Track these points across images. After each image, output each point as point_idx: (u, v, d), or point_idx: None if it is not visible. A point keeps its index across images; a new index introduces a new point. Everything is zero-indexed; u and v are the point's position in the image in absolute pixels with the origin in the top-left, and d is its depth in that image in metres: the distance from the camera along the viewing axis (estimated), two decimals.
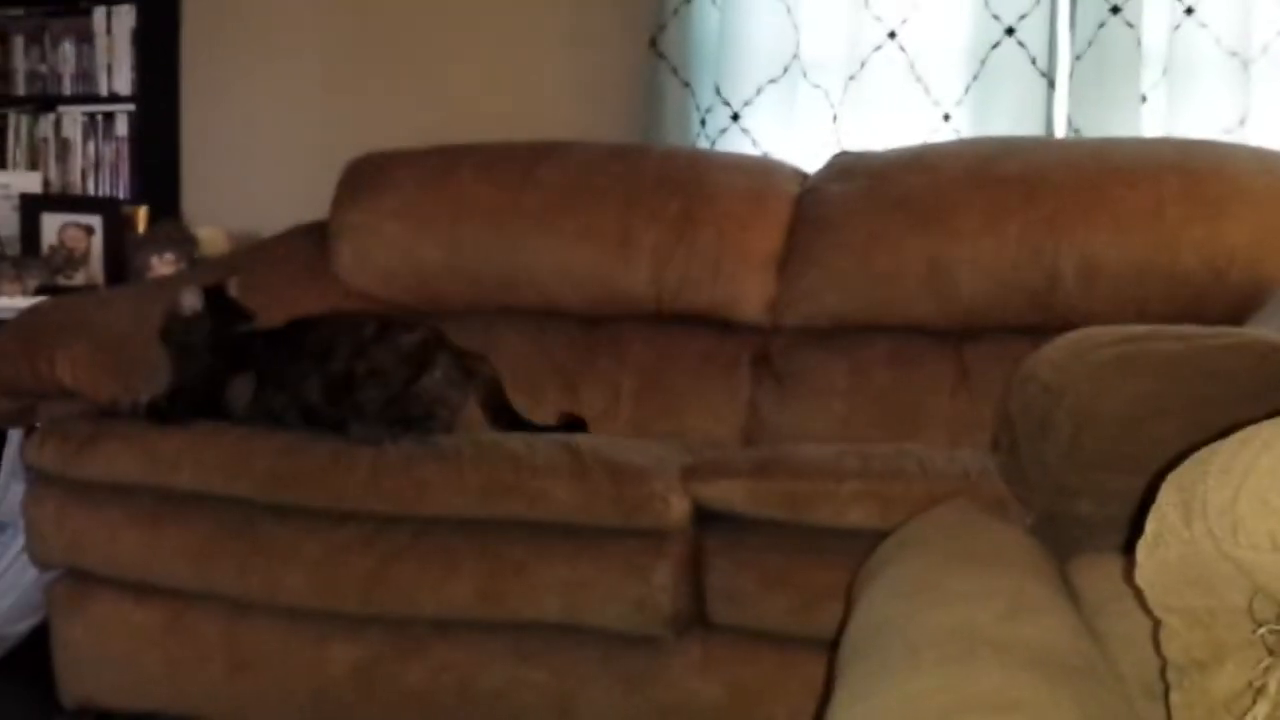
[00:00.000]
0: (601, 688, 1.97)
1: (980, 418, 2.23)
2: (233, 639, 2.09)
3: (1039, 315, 2.31)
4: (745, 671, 1.94)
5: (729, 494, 1.93)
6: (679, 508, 1.92)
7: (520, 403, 2.46)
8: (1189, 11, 2.60)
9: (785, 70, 2.82)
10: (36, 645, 2.33)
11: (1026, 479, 1.49)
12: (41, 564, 2.20)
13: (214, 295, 2.13)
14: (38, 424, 2.20)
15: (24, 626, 2.49)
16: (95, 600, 2.15)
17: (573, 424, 2.25)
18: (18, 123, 3.24)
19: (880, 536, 1.61)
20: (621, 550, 1.92)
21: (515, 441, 2.02)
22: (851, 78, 2.81)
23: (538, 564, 1.94)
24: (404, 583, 1.98)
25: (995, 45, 2.71)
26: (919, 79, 2.78)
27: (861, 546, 1.65)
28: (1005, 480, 1.59)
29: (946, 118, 2.78)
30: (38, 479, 2.15)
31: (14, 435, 2.46)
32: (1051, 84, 2.70)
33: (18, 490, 2.38)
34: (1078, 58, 2.66)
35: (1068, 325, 1.64)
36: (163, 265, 2.89)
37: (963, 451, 1.99)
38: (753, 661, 1.94)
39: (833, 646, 1.41)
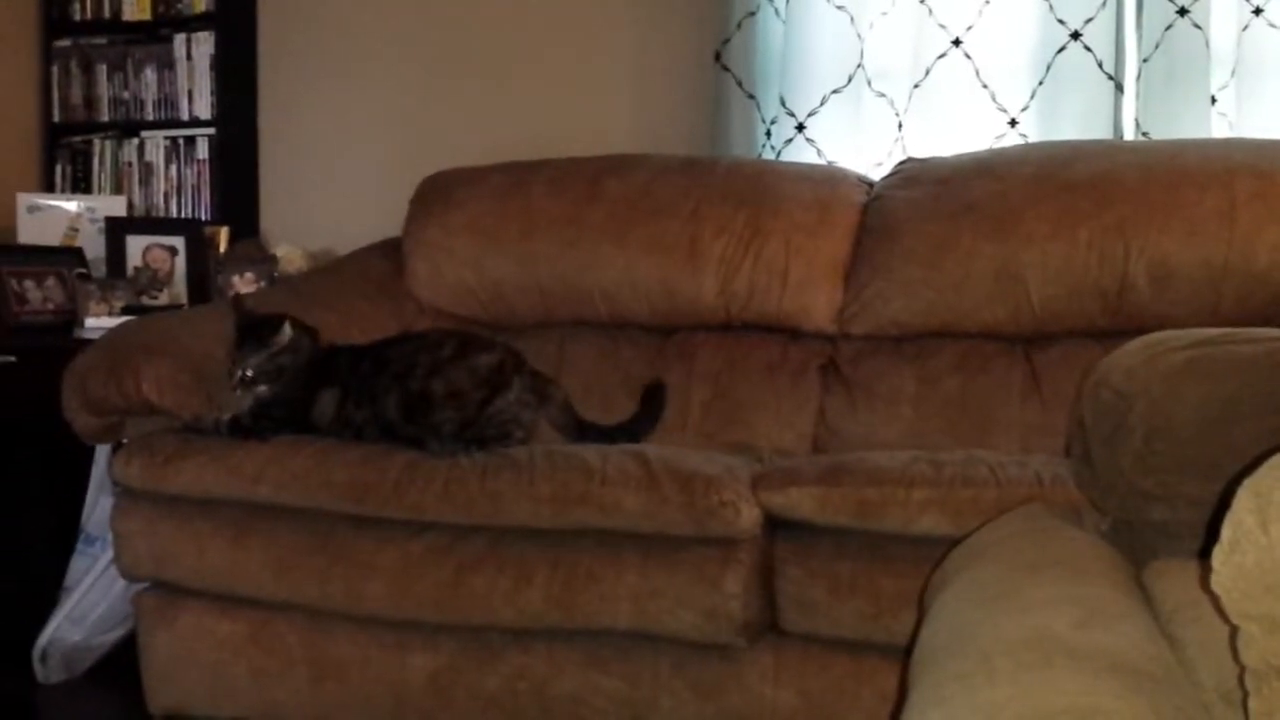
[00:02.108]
0: (674, 695, 1.99)
1: (1052, 424, 2.22)
2: (315, 648, 2.13)
3: (1110, 320, 2.30)
4: (819, 679, 1.95)
5: (799, 502, 1.94)
6: (749, 516, 1.93)
7: (592, 415, 2.50)
8: (1257, 12, 2.57)
9: (849, 79, 2.83)
10: (125, 655, 2.39)
11: (1100, 484, 1.49)
12: (129, 576, 2.25)
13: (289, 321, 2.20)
14: (124, 440, 2.26)
15: (113, 637, 2.56)
16: (181, 611, 2.20)
17: (654, 390, 2.36)
18: (103, 148, 3.34)
19: (952, 543, 1.61)
20: (692, 559, 1.94)
21: (587, 452, 2.05)
22: (916, 85, 2.81)
23: (609, 572, 1.96)
24: (479, 592, 2.00)
25: (1061, 49, 2.70)
26: (985, 85, 2.78)
27: (933, 553, 1.65)
28: (1079, 486, 1.58)
29: (1013, 123, 2.77)
30: (125, 493, 2.20)
31: (102, 451, 2.53)
32: (1119, 87, 2.68)
33: (106, 504, 2.44)
34: (1145, 60, 2.64)
35: (1140, 329, 1.63)
36: (243, 284, 2.96)
37: (1035, 457, 1.97)
38: (826, 669, 1.95)
39: (906, 653, 1.41)
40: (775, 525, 1.97)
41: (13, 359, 2.60)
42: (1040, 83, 2.73)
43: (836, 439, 2.38)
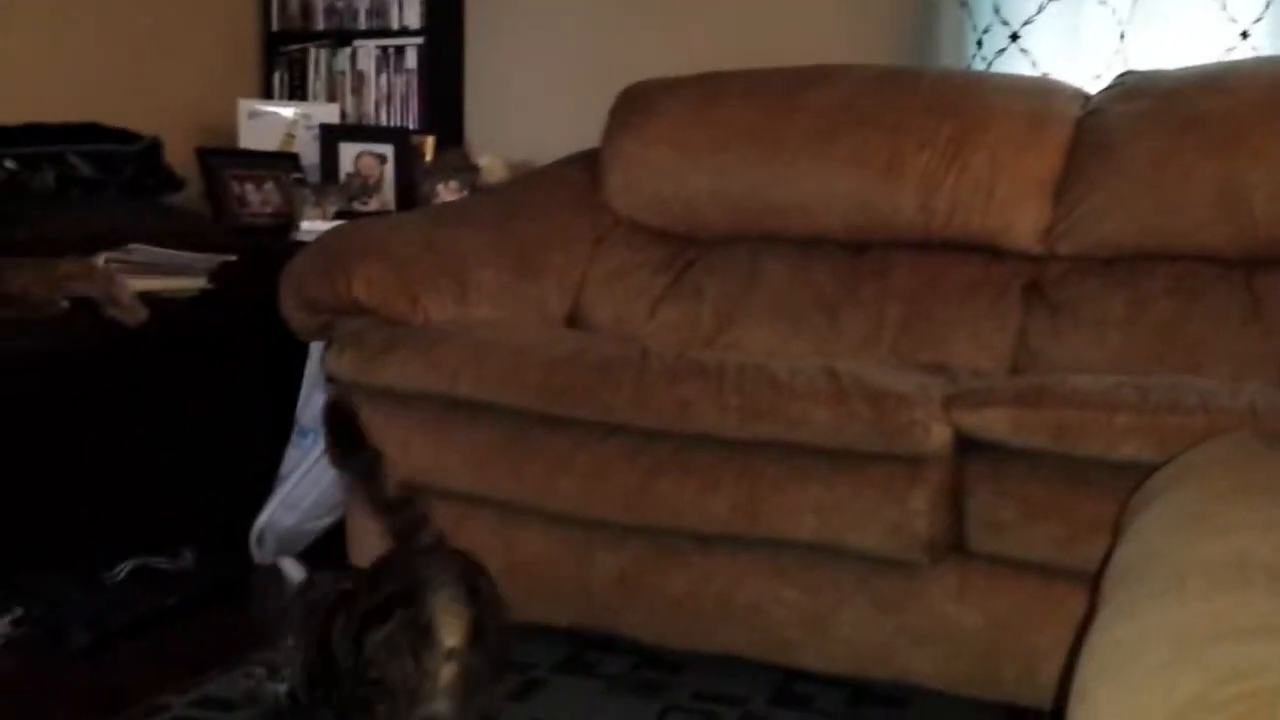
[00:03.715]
0: (855, 608, 1.99)
1: (1272, 353, 2.10)
2: (507, 542, 2.20)
3: None
4: (1005, 601, 1.91)
5: (993, 423, 1.89)
6: (939, 435, 1.90)
7: (781, 332, 2.49)
8: None
9: None
10: (334, 540, 2.51)
11: None
12: (339, 467, 2.37)
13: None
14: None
15: (324, 523, 2.70)
16: None
17: None
18: (318, 57, 3.47)
19: (1153, 469, 1.56)
20: (879, 474, 1.92)
21: (777, 365, 2.05)
22: None
23: (795, 484, 1.96)
24: (666, 496, 2.03)
25: None
26: None
27: (1132, 479, 1.60)
28: None
29: (1244, 35, 2.60)
30: (336, 388, 2.31)
31: (315, 349, 2.65)
32: None
33: (318, 400, 2.58)
34: None
35: None
36: (448, 192, 3.05)
37: (1249, 386, 1.87)
38: (1013, 591, 1.91)
39: (1097, 579, 1.38)
40: (967, 445, 1.93)
41: (234, 259, 2.75)
42: None
43: (1036, 362, 2.31)
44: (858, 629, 1.99)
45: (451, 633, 1.51)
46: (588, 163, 2.80)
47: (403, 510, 1.63)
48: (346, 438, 1.71)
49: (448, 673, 1.51)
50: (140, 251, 2.60)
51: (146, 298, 2.54)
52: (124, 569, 2.38)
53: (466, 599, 1.53)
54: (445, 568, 1.56)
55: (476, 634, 1.53)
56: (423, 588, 1.52)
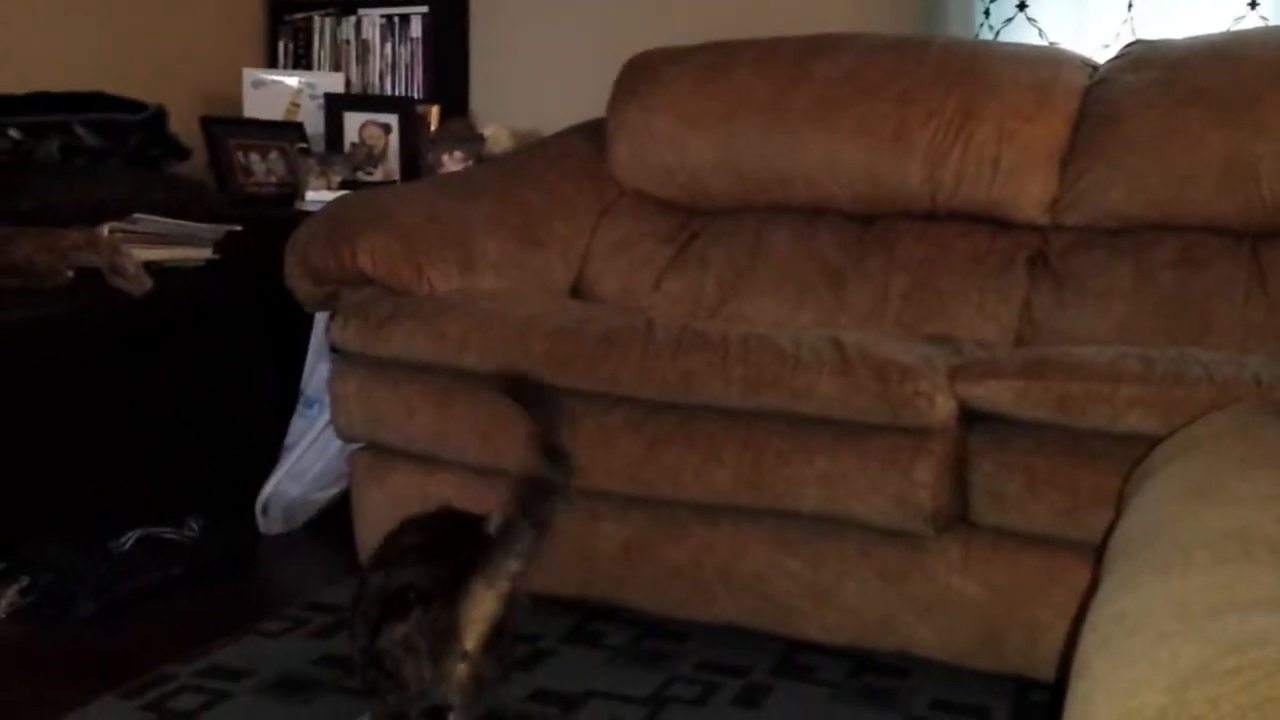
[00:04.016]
0: (859, 579, 1.99)
1: (1277, 324, 2.09)
2: None
3: None
4: (1008, 572, 1.92)
5: (997, 394, 1.89)
6: (944, 407, 1.90)
7: (788, 302, 2.49)
8: None
9: None
10: (339, 510, 2.53)
11: None
12: (345, 437, 2.37)
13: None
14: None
15: (329, 493, 2.72)
16: (392, 471, 2.31)
17: None
18: (322, 25, 3.45)
19: (1157, 441, 1.56)
20: (884, 446, 1.92)
21: (781, 336, 2.04)
22: None
23: (799, 455, 1.96)
24: (670, 466, 2.04)
25: None
26: None
27: (1136, 451, 1.60)
28: None
29: (1253, 4, 2.58)
30: (341, 357, 2.32)
31: (320, 319, 2.65)
32: None
33: (323, 370, 2.58)
34: None
35: None
36: (452, 162, 3.04)
37: (1255, 358, 1.86)
38: (1015, 563, 1.91)
39: (1100, 550, 1.38)
40: (971, 417, 1.93)
41: (239, 228, 2.75)
42: None
43: (1042, 334, 2.31)
44: (861, 600, 2.00)
45: (473, 638, 1.52)
46: (593, 133, 2.79)
47: (559, 465, 1.54)
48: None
49: (462, 673, 1.52)
50: (145, 221, 2.60)
51: (151, 268, 2.54)
52: (130, 538, 2.39)
53: (498, 603, 1.52)
54: (499, 566, 1.52)
55: (495, 637, 1.53)
56: (460, 592, 1.51)
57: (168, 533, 2.46)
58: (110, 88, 2.93)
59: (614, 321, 2.14)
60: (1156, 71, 2.37)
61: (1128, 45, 2.52)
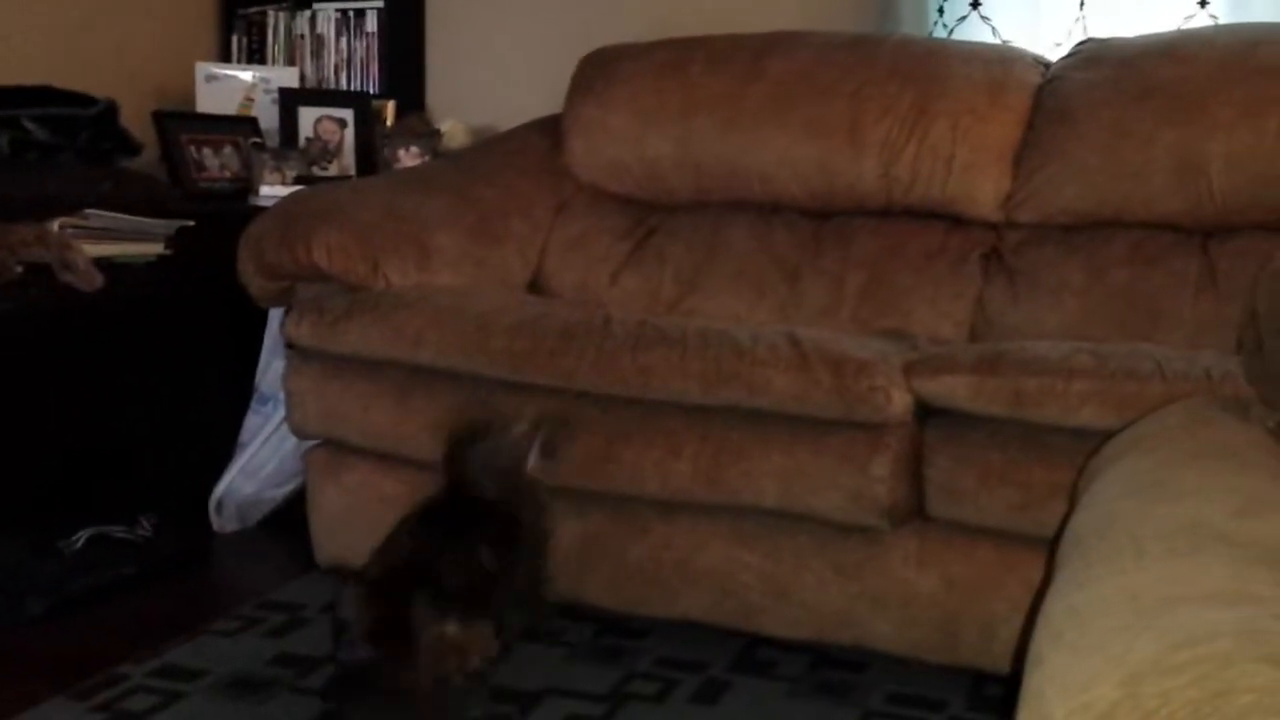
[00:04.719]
0: (816, 573, 2.00)
1: (1227, 320, 2.11)
2: None
3: None
4: (963, 566, 1.94)
5: (952, 389, 1.91)
6: (900, 401, 1.91)
7: (746, 298, 2.49)
8: None
9: None
10: (295, 508, 2.51)
11: (1271, 377, 1.43)
12: (299, 434, 2.35)
13: None
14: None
15: (284, 491, 2.69)
16: (348, 469, 2.30)
17: None
18: (276, 20, 3.41)
19: (1110, 435, 1.58)
20: (840, 441, 1.93)
21: (740, 331, 2.05)
22: None
23: (756, 450, 1.97)
24: (628, 462, 2.04)
25: None
26: None
27: (1089, 446, 1.62)
28: (1248, 379, 1.52)
29: (1203, 3, 2.62)
30: (296, 353, 2.30)
31: (275, 315, 2.63)
32: None
33: (278, 366, 2.55)
34: None
35: None
36: (409, 158, 3.02)
37: (1205, 353, 1.89)
38: (971, 556, 1.93)
39: (1054, 544, 1.39)
40: (927, 412, 1.95)
41: (191, 224, 2.71)
42: None
43: (995, 330, 2.33)
44: (819, 594, 2.01)
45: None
46: (550, 128, 2.78)
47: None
48: None
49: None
50: (96, 217, 2.56)
51: (102, 263, 2.51)
52: (81, 537, 2.36)
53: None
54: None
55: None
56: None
57: (120, 531, 2.43)
58: (61, 81, 2.88)
59: (572, 317, 2.14)
60: (1108, 70, 2.40)
61: (1080, 44, 2.55)
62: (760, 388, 1.95)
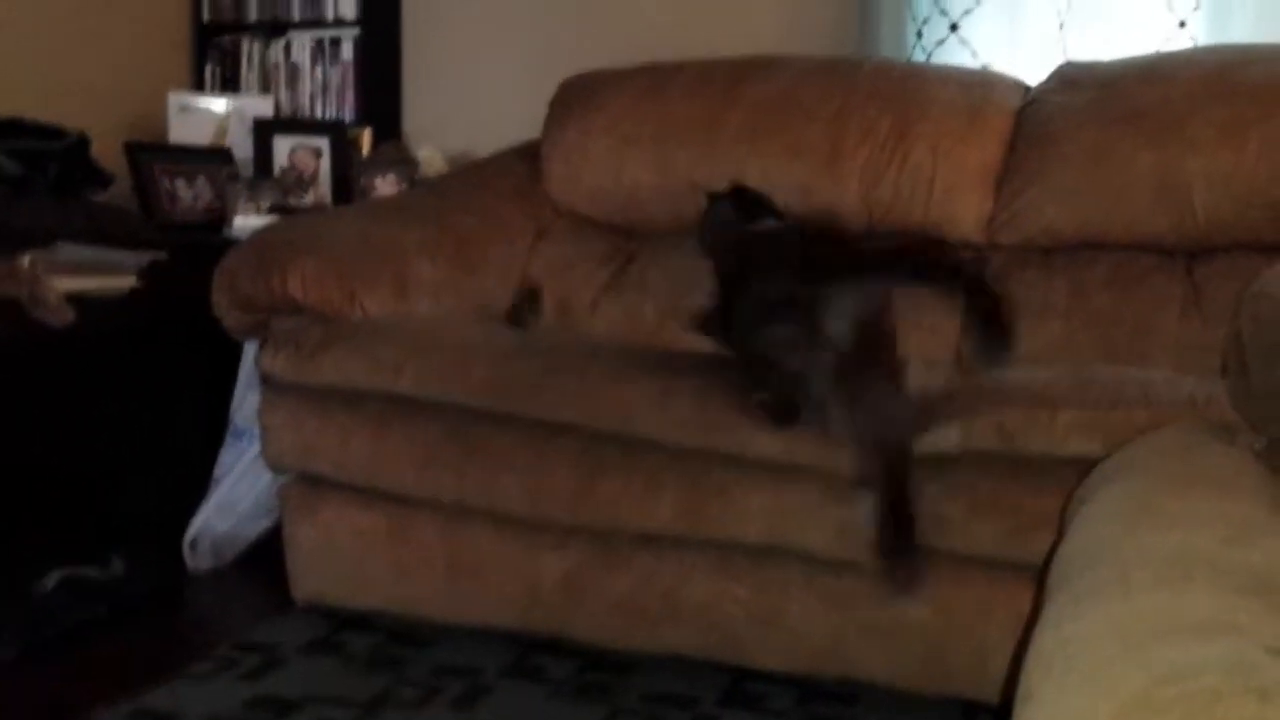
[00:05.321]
0: (804, 605, 1.97)
1: (1211, 341, 2.09)
2: (452, 544, 2.16)
3: (1279, 233, 2.16)
4: (953, 595, 1.91)
5: (943, 441, 1.87)
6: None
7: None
8: None
9: None
10: (270, 545, 2.47)
11: (1256, 400, 1.41)
12: (275, 468, 2.32)
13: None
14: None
15: (259, 527, 2.65)
16: (325, 504, 2.26)
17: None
18: (250, 48, 3.40)
19: (1097, 463, 1.56)
20: (826, 479, 1.91)
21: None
22: None
23: (739, 490, 1.95)
24: (609, 498, 2.01)
25: None
26: None
27: (1077, 473, 1.60)
28: (1233, 403, 1.50)
29: (1182, 25, 2.62)
30: (271, 386, 2.26)
31: (250, 348, 2.59)
32: None
33: (253, 400, 2.51)
34: None
35: None
36: (385, 186, 3.00)
37: (1189, 377, 1.88)
38: (960, 586, 1.90)
39: (1043, 572, 1.37)
40: None
41: (164, 256, 2.68)
42: None
43: None
44: (807, 625, 1.98)
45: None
46: (528, 155, 2.76)
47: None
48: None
49: (827, 361, 1.84)
50: (66, 250, 2.53)
51: (73, 298, 2.47)
52: (52, 579, 2.31)
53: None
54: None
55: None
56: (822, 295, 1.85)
57: (92, 572, 2.39)
58: (32, 112, 2.86)
59: (554, 347, 2.11)
60: (1088, 92, 2.39)
61: (1060, 66, 2.54)
62: (746, 443, 1.93)
